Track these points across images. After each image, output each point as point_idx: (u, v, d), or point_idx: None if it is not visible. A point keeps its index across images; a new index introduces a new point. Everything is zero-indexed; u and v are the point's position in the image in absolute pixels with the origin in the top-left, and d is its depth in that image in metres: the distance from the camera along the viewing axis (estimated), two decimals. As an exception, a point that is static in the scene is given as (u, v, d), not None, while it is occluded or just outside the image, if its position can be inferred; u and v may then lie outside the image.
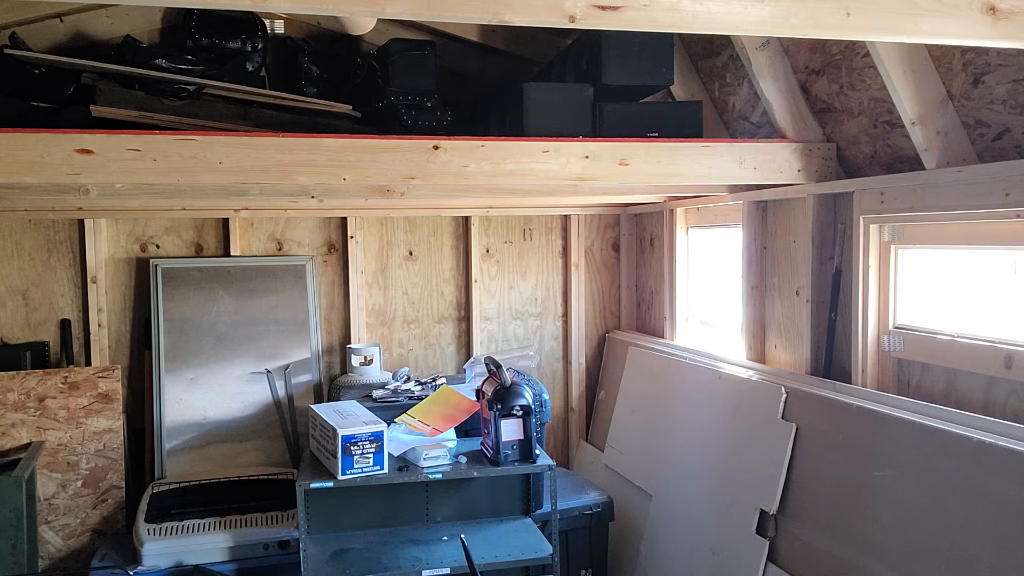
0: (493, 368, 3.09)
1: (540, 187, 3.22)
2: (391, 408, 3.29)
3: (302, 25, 3.95)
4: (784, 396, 2.94)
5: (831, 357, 3.01)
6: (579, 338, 4.53)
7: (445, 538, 3.07)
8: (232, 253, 3.96)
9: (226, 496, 3.38)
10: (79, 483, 3.52)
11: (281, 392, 3.85)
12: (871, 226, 2.81)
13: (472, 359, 4.12)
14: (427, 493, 3.22)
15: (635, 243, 4.59)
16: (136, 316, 3.91)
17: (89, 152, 2.47)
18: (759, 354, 3.43)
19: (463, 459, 3.03)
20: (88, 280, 3.80)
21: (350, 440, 2.83)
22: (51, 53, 3.37)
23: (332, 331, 4.18)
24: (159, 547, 3.04)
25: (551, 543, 2.99)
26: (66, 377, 3.56)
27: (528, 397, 3.00)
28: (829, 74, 2.90)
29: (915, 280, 2.77)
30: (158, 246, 3.94)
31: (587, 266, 4.55)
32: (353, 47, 3.98)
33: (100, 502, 3.55)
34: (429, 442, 3.06)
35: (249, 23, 3.64)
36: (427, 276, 4.32)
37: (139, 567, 3.02)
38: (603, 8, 1.60)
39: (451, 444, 3.12)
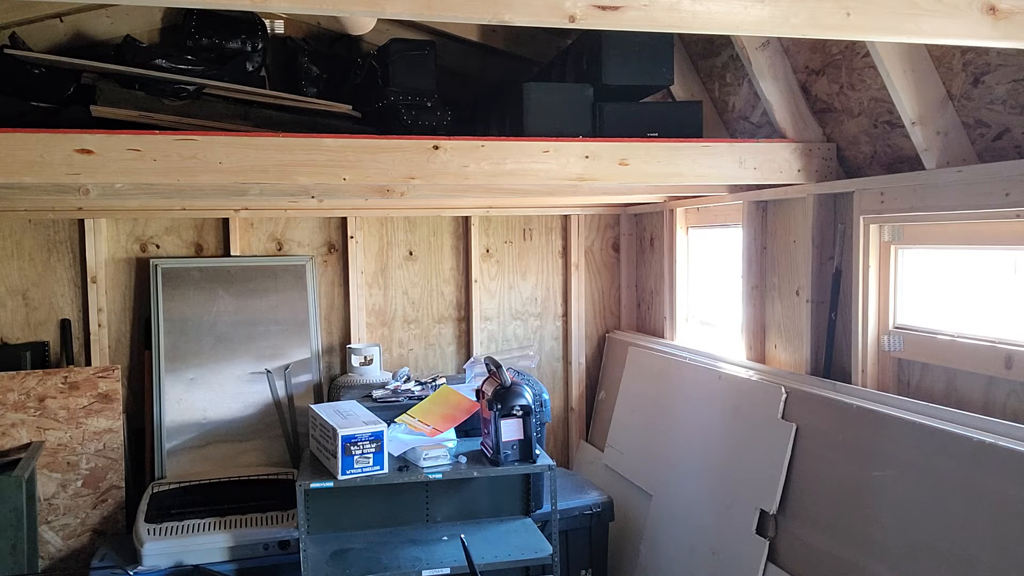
0: (493, 368, 3.09)
1: (540, 187, 3.22)
2: (391, 408, 3.29)
3: (302, 25, 3.95)
4: (784, 396, 2.94)
5: (831, 357, 3.01)
6: (579, 338, 4.53)
7: (445, 538, 3.08)
8: (232, 253, 3.96)
9: (226, 496, 3.38)
10: (79, 483, 3.52)
11: (281, 392, 3.85)
12: (871, 226, 2.81)
13: (472, 359, 4.12)
14: (427, 493, 3.22)
15: (635, 243, 4.59)
16: (136, 316, 3.91)
17: (89, 152, 2.47)
18: (759, 354, 3.43)
19: (463, 459, 3.03)
20: (88, 280, 3.80)
21: (350, 440, 2.83)
22: (51, 53, 3.37)
23: (332, 331, 4.18)
24: (159, 547, 3.04)
25: (551, 543, 2.99)
26: (66, 377, 3.56)
27: (528, 397, 3.00)
28: (829, 74, 2.90)
29: (915, 280, 2.77)
30: (158, 246, 3.94)
31: (587, 266, 4.55)
32: (353, 47, 3.98)
33: (100, 502, 3.55)
34: (429, 442, 3.06)
35: (249, 23, 3.64)
36: (427, 276, 4.32)
37: (139, 567, 3.02)
38: (603, 8, 1.60)
39: (451, 444, 3.13)
